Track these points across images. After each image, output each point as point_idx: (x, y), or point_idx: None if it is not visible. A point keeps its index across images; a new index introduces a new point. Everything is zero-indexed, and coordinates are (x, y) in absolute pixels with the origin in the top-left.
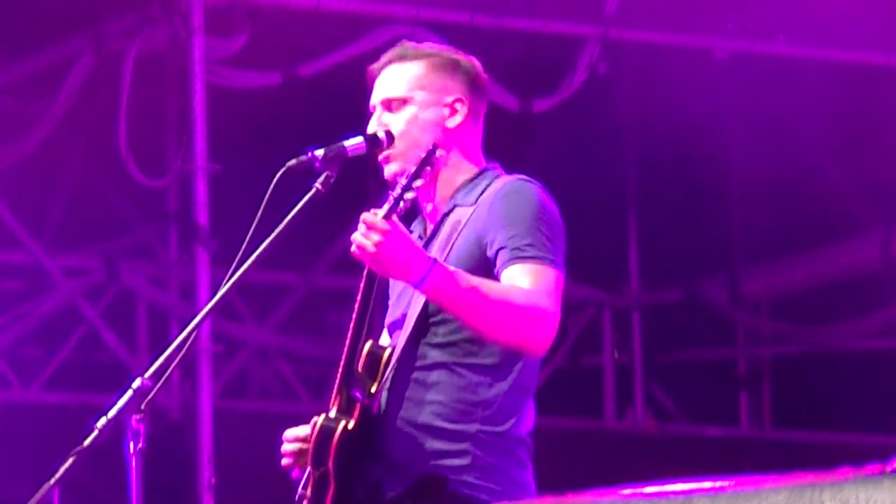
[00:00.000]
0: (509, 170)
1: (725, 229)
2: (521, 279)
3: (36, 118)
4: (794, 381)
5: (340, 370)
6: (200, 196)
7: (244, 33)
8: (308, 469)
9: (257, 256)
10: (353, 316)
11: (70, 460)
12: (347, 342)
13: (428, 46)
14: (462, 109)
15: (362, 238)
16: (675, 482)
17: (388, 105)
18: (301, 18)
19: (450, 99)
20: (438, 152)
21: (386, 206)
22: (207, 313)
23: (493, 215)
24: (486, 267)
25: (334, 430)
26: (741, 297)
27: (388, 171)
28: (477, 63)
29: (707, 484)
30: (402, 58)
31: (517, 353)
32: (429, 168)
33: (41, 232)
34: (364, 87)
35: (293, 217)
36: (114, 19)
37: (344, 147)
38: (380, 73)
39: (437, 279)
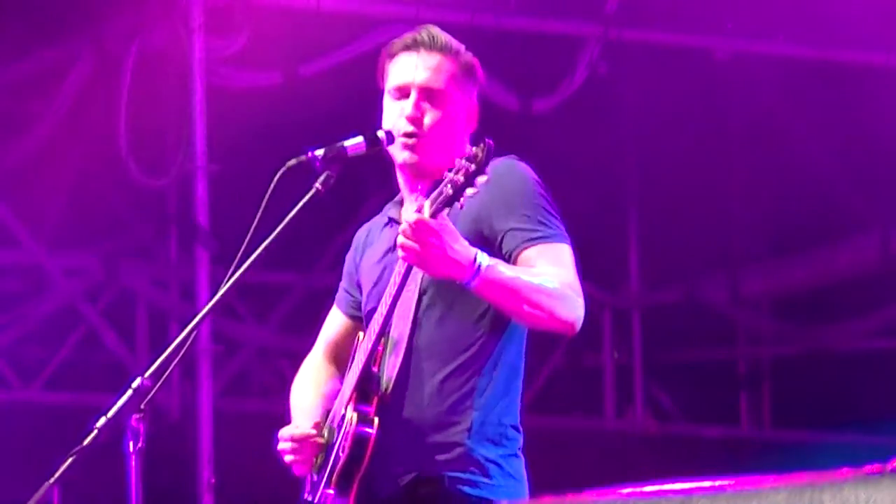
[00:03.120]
0: None
1: (725, 229)
2: (541, 261)
3: (36, 118)
4: (793, 381)
5: (362, 367)
6: (200, 196)
7: (244, 33)
8: (329, 467)
9: (257, 256)
10: (385, 311)
11: (70, 460)
12: (374, 337)
13: (454, 42)
14: (475, 116)
15: (407, 240)
16: (674, 482)
17: (428, 93)
18: (301, 18)
19: (471, 102)
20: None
21: (429, 203)
22: (207, 313)
23: (490, 198)
24: (479, 245)
25: (369, 436)
26: (741, 297)
27: (408, 158)
28: (478, 65)
29: (707, 484)
30: (443, 49)
31: (502, 335)
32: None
33: (41, 232)
34: (363, 88)
35: (293, 217)
36: (114, 19)
37: (344, 147)
38: (419, 52)
39: (486, 275)
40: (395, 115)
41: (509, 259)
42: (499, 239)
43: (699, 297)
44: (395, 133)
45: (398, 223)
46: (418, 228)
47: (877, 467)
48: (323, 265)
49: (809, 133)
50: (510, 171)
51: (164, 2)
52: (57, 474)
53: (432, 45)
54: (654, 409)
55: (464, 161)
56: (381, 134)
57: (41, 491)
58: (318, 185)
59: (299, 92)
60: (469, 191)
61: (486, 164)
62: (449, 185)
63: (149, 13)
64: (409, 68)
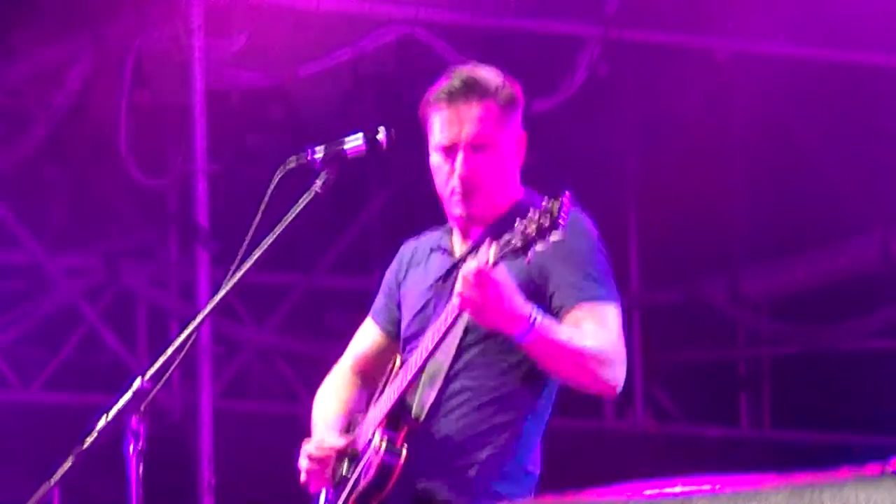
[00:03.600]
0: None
1: (725, 229)
2: (587, 321)
3: (36, 118)
4: (793, 381)
5: (398, 396)
6: (200, 196)
7: (244, 33)
8: (347, 489)
9: (257, 257)
10: (429, 347)
11: (70, 460)
12: (415, 370)
13: (493, 77)
14: (523, 144)
15: (470, 290)
16: (675, 482)
17: (475, 147)
18: (301, 18)
19: (518, 132)
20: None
21: (494, 250)
22: (208, 314)
23: (549, 248)
24: (529, 292)
25: (395, 467)
26: (741, 297)
27: (466, 212)
28: (519, 88)
29: (707, 484)
30: (481, 95)
31: (536, 382)
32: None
33: (41, 232)
34: (363, 88)
35: (292, 217)
36: (114, 19)
37: (343, 147)
38: (457, 107)
39: (539, 332)
40: (446, 174)
41: (558, 313)
42: (550, 290)
43: (699, 297)
44: (448, 190)
45: (449, 253)
46: (480, 280)
47: (877, 467)
48: (323, 265)
49: (810, 133)
50: (572, 225)
51: (164, 2)
52: (57, 475)
53: (469, 95)
54: (654, 409)
55: (538, 215)
56: (380, 135)
57: (41, 491)
58: (317, 185)
59: (299, 92)
60: (539, 246)
61: (561, 221)
62: (519, 237)
63: (149, 13)
64: (451, 125)
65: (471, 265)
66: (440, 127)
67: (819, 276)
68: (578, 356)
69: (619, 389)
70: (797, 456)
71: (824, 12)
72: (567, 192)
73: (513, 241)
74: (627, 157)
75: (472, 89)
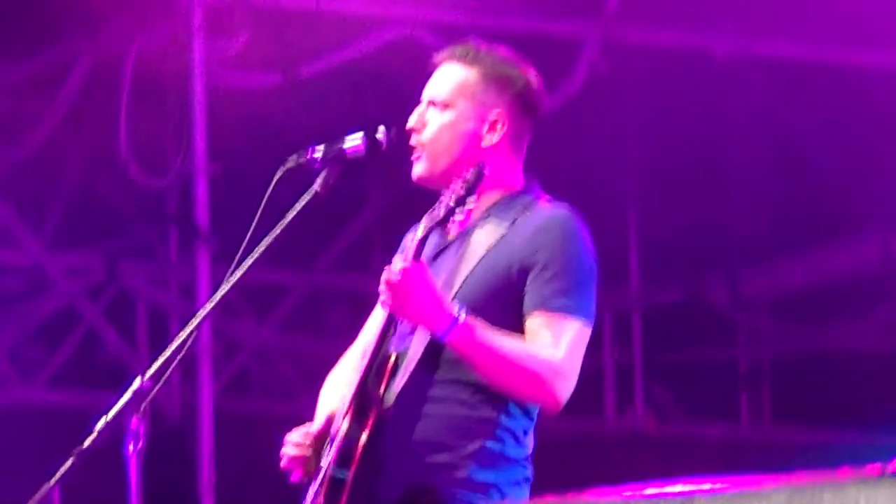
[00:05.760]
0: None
1: (725, 229)
2: (543, 333)
3: (36, 118)
4: (794, 380)
5: (359, 381)
6: (200, 196)
7: (244, 33)
8: (320, 478)
9: (257, 256)
10: (381, 327)
11: (70, 460)
12: (371, 351)
13: (493, 52)
14: (500, 129)
15: (389, 287)
16: (675, 482)
17: (433, 103)
18: (301, 18)
19: (492, 116)
20: (485, 171)
21: (423, 223)
22: (207, 313)
23: (531, 247)
24: (507, 290)
25: (358, 439)
26: (741, 297)
27: (414, 172)
28: (534, 80)
29: (707, 484)
30: (462, 58)
31: None
32: (475, 188)
33: (41, 232)
34: (363, 88)
35: (293, 217)
36: (114, 19)
37: (343, 148)
38: (438, 66)
39: (460, 334)
40: None
41: (523, 315)
42: (522, 289)
43: (699, 297)
44: None
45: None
46: (403, 276)
47: (877, 467)
48: (323, 265)
49: (810, 133)
50: (563, 225)
51: (164, 2)
52: (57, 475)
53: (452, 56)
54: (655, 409)
55: (459, 184)
56: (379, 135)
57: (41, 491)
58: (317, 185)
59: (299, 92)
60: (457, 216)
61: (475, 186)
62: (443, 209)
63: (149, 13)
64: (429, 82)
65: (393, 265)
66: None
67: (819, 276)
68: (510, 366)
69: (560, 406)
70: (798, 456)
71: (824, 12)
72: (484, 162)
73: (437, 212)
74: (627, 157)
75: (458, 52)
